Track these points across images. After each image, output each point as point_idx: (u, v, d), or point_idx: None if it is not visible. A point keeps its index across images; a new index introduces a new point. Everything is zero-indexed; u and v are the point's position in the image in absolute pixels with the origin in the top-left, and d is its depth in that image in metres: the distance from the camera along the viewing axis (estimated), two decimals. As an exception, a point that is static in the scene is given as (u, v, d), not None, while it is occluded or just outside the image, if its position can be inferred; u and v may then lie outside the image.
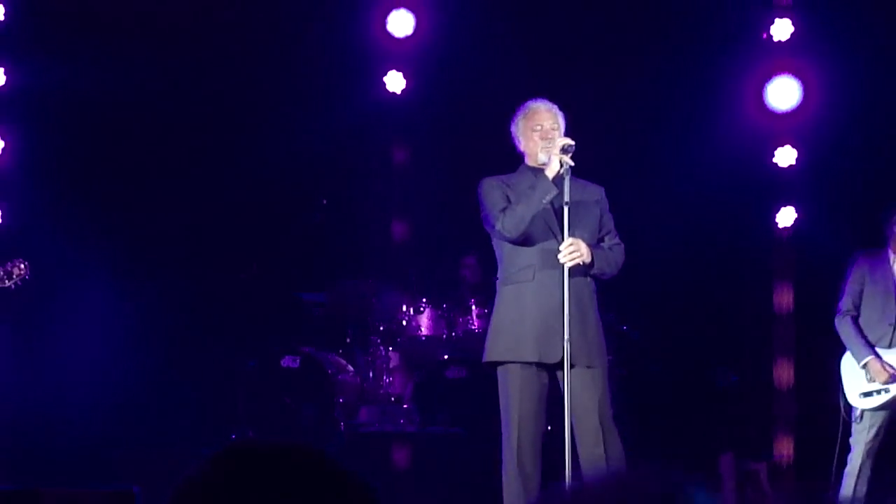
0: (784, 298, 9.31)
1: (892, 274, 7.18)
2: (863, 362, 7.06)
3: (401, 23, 9.49)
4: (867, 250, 7.33)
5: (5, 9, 8.87)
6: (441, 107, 9.86)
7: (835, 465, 7.46)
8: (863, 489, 7.01)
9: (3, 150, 8.93)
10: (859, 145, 9.21)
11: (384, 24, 9.49)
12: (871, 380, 7.06)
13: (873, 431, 7.09)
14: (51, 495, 5.67)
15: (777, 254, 9.49)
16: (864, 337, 7.11)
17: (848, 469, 7.13)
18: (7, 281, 6.96)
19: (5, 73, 8.92)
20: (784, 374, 9.26)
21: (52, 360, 8.94)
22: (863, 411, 7.13)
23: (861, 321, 7.19)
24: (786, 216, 9.51)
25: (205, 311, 9.64)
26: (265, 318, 9.69)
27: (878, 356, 7.05)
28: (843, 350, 7.27)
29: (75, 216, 9.04)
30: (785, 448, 9.12)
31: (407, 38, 9.53)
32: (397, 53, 9.64)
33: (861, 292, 7.20)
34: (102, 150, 9.35)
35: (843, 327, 7.20)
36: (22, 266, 6.98)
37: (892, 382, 7.02)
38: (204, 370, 9.44)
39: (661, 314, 9.61)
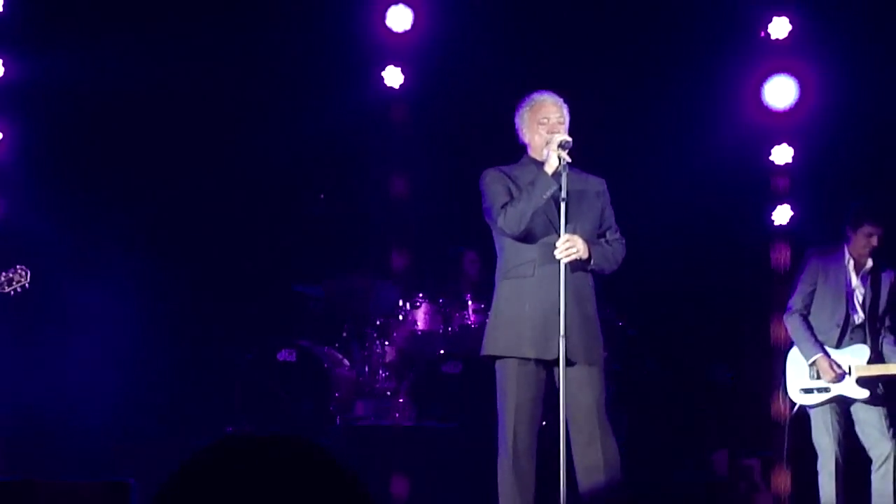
0: (780, 289, 9.32)
1: (846, 274, 7.19)
2: (811, 360, 7.09)
3: (399, 18, 9.50)
4: (822, 247, 7.33)
5: (4, 0, 8.87)
6: (439, 102, 9.88)
7: (784, 460, 7.51)
8: (840, 497, 7.02)
9: (1, 142, 8.93)
10: (856, 144, 9.23)
11: (383, 19, 9.51)
12: (815, 377, 7.09)
13: (835, 430, 7.10)
14: (47, 487, 5.69)
15: (773, 251, 9.52)
16: (813, 334, 7.14)
17: (821, 477, 7.14)
18: (6, 287, 6.99)
19: (4, 65, 8.92)
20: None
21: (49, 353, 8.96)
22: (803, 408, 7.16)
23: (811, 319, 7.21)
24: (782, 214, 9.54)
25: (201, 304, 9.66)
26: (262, 312, 9.71)
27: (826, 354, 7.07)
28: (790, 345, 7.29)
29: (72, 209, 9.05)
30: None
31: (405, 33, 9.55)
32: (396, 48, 9.66)
33: (813, 292, 7.21)
34: (100, 143, 9.37)
35: (793, 324, 7.23)
36: (22, 273, 7.01)
37: (837, 382, 7.05)
38: (200, 363, 9.46)
39: (657, 310, 9.64)
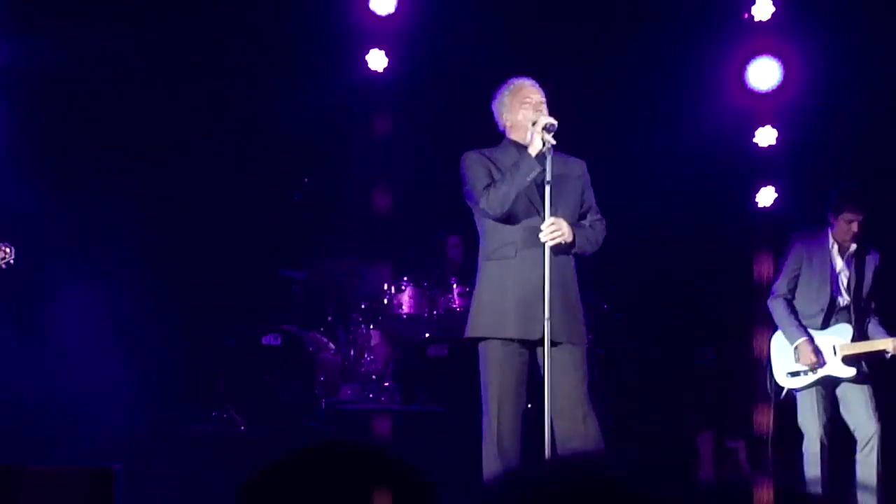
0: (764, 270, 9.32)
1: (830, 258, 7.21)
2: (795, 344, 7.12)
3: (383, 1, 9.48)
4: (806, 232, 7.35)
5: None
6: (423, 85, 9.87)
7: (769, 446, 7.54)
8: (825, 479, 7.05)
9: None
10: (840, 125, 9.24)
11: (366, 2, 9.48)
12: (798, 360, 7.12)
13: (821, 412, 7.12)
14: (33, 472, 5.68)
15: (757, 233, 9.53)
16: (797, 318, 7.17)
17: (806, 459, 7.16)
18: None
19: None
20: (763, 347, 9.29)
21: (35, 338, 8.93)
22: (791, 391, 7.19)
23: (796, 303, 7.24)
24: (766, 196, 9.55)
25: (186, 288, 9.64)
26: (247, 296, 9.70)
27: (810, 338, 7.09)
28: (775, 329, 7.31)
29: (56, 196, 9.02)
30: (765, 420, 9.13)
31: (389, 16, 9.52)
32: (379, 32, 9.63)
33: (797, 276, 7.24)
34: (85, 128, 9.33)
35: (777, 309, 7.25)
36: (7, 249, 6.97)
37: (817, 368, 7.08)
38: (185, 348, 9.44)
39: (641, 293, 9.65)
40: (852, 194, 7.16)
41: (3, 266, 7.00)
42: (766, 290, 7.42)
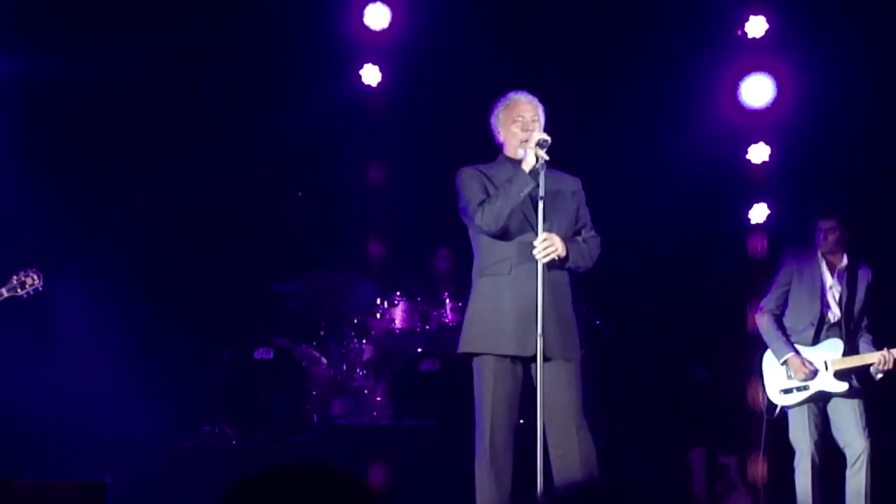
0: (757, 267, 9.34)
1: (821, 274, 7.23)
2: (783, 359, 7.14)
3: (377, 16, 9.51)
4: (796, 248, 7.37)
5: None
6: (417, 100, 9.88)
7: (761, 460, 7.54)
8: (816, 495, 7.05)
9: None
10: (832, 142, 9.27)
11: (361, 17, 9.51)
12: (791, 376, 7.14)
13: (812, 429, 7.13)
14: (24, 486, 5.67)
15: (749, 249, 9.55)
16: (785, 334, 7.19)
17: (797, 476, 7.16)
18: (20, 290, 6.97)
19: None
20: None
21: (25, 352, 8.91)
22: (784, 408, 7.20)
23: (786, 320, 7.26)
24: (758, 212, 9.57)
25: (179, 302, 9.63)
26: (239, 310, 9.69)
27: (797, 353, 7.12)
28: (765, 347, 7.32)
29: (49, 208, 9.01)
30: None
31: (383, 31, 9.55)
32: (373, 47, 9.66)
33: (787, 292, 7.26)
34: (79, 141, 9.33)
35: (764, 325, 7.28)
36: (35, 276, 6.99)
37: (810, 379, 7.09)
38: (178, 361, 9.43)
39: (634, 309, 9.66)
40: (825, 203, 7.22)
41: (31, 293, 7.03)
42: (758, 307, 7.43)
